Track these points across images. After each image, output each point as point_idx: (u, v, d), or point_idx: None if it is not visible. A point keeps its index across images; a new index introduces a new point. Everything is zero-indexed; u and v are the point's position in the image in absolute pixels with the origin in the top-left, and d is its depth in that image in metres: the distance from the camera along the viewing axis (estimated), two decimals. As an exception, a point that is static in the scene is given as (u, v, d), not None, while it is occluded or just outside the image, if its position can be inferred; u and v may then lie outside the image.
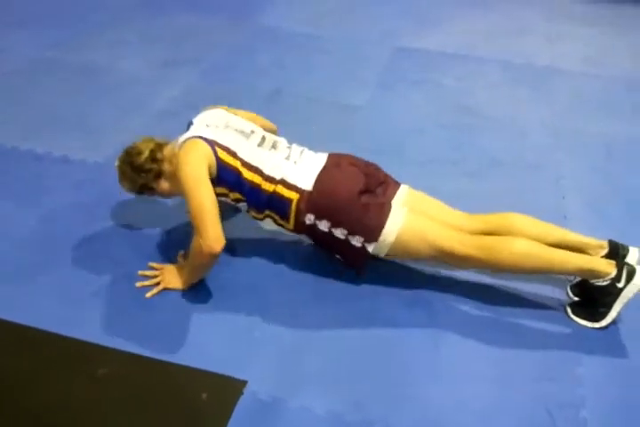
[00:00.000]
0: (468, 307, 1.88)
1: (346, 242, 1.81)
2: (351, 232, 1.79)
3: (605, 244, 1.89)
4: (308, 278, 1.97)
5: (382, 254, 1.85)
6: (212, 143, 1.80)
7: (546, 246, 1.78)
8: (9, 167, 2.43)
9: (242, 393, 1.59)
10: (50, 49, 3.36)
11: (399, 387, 1.64)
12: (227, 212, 1.98)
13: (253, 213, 1.91)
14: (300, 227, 1.85)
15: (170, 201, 2.23)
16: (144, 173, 1.90)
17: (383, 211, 1.80)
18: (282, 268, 2.00)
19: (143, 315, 1.81)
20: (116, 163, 1.96)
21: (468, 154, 2.57)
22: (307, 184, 1.81)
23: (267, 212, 1.87)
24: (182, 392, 1.60)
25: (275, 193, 1.82)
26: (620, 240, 1.91)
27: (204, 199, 1.72)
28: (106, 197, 2.26)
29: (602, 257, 1.86)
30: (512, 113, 2.96)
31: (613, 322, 1.80)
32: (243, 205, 1.92)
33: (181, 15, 3.86)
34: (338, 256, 1.91)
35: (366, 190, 1.85)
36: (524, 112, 2.97)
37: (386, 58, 3.44)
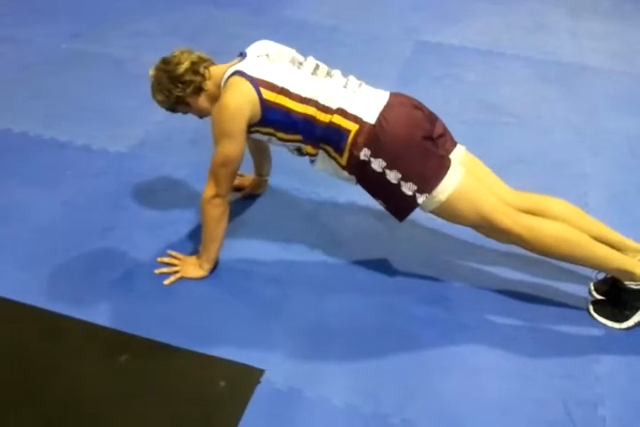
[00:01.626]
0: (487, 303, 1.87)
1: (396, 188, 1.71)
2: (405, 177, 1.69)
3: None
4: (327, 270, 1.97)
5: (428, 209, 1.77)
6: (257, 83, 1.72)
7: (589, 238, 1.74)
8: (32, 155, 2.45)
9: (259, 382, 1.59)
10: (71, 40, 3.37)
11: (416, 380, 1.64)
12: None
13: (309, 150, 1.80)
14: (353, 162, 1.73)
15: (192, 191, 2.24)
16: (182, 84, 1.79)
17: (444, 163, 1.71)
18: (301, 260, 2.01)
19: (163, 302, 1.82)
20: (151, 72, 1.84)
21: (490, 151, 2.52)
22: (369, 116, 1.69)
23: (321, 145, 1.77)
24: (200, 380, 1.61)
25: (331, 124, 1.71)
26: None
27: (231, 153, 1.75)
28: (127, 185, 2.28)
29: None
30: (535, 109, 2.93)
31: (637, 325, 1.78)
32: (290, 145, 1.84)
33: (202, 6, 3.85)
34: (380, 202, 1.81)
35: (429, 137, 1.75)
36: (547, 109, 2.94)
37: (407, 52, 3.42)
